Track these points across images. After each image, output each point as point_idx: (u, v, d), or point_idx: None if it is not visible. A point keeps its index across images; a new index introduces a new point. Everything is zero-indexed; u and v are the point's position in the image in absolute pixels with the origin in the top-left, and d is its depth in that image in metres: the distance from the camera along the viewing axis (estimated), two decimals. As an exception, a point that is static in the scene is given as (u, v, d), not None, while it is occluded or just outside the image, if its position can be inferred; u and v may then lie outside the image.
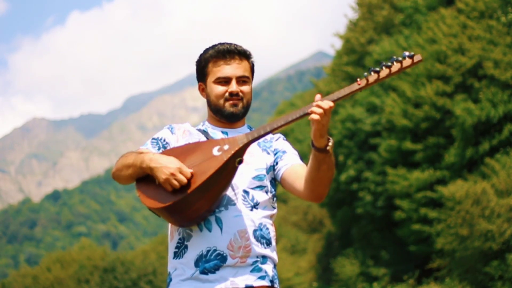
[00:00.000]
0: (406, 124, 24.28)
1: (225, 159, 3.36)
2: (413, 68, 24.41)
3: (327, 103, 3.27)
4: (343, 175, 29.16)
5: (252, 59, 3.77)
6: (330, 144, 3.36)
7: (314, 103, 3.30)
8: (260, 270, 3.50)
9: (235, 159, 3.39)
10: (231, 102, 3.65)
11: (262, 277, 3.49)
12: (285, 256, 35.14)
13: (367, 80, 3.32)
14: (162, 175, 3.33)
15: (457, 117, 21.92)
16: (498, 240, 18.21)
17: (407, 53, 3.32)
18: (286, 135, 51.84)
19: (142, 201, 3.41)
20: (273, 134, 3.80)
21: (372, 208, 27.82)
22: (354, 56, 32.44)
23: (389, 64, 3.31)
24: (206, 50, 3.73)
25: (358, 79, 3.34)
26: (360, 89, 3.33)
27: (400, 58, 3.33)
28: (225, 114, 3.67)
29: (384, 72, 3.32)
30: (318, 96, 3.31)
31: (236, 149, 3.39)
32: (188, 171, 3.35)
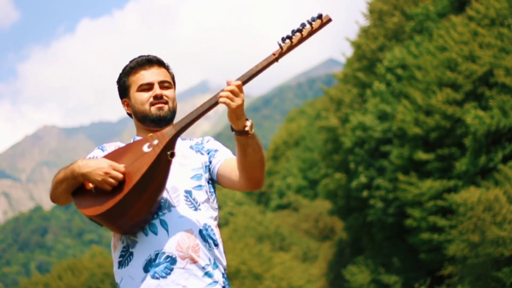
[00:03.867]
0: (418, 132, 24.20)
1: (156, 153, 3.35)
2: (424, 75, 24.41)
3: (233, 84, 3.30)
4: (354, 182, 29.12)
5: (171, 70, 3.81)
6: (248, 124, 3.36)
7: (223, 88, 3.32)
8: (211, 276, 3.47)
9: (167, 152, 3.38)
10: (156, 106, 3.65)
11: (213, 283, 3.46)
12: (297, 263, 35.05)
13: (281, 49, 3.35)
14: (96, 177, 3.32)
15: (468, 126, 21.84)
16: (509, 246, 18.14)
17: (315, 16, 3.34)
18: (297, 143, 51.89)
19: (82, 211, 3.37)
20: (198, 133, 3.81)
21: (383, 215, 27.75)
22: (365, 63, 32.43)
23: (300, 28, 3.34)
24: (125, 67, 3.76)
25: (274, 51, 3.34)
26: (277, 59, 3.35)
27: (309, 20, 3.34)
28: (152, 119, 3.65)
29: (296, 37, 3.34)
30: (228, 81, 3.32)
31: (166, 141, 3.39)
32: (120, 166, 3.35)
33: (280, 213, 44.82)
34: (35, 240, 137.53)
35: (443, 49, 24.21)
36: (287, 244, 37.67)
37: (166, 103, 3.67)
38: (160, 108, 3.64)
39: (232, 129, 3.37)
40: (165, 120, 3.65)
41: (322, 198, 39.78)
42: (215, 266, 3.52)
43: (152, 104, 3.64)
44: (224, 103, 3.28)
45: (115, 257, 3.54)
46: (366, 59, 32.41)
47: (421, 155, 24.15)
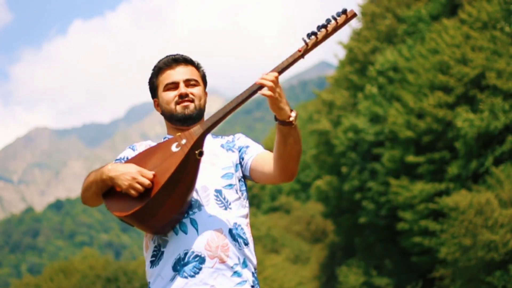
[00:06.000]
0: (410, 135, 24.23)
1: (185, 153, 3.35)
2: (416, 78, 24.44)
3: (272, 75, 3.27)
4: (346, 185, 29.13)
5: (202, 68, 3.81)
6: (293, 115, 3.34)
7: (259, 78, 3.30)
8: (240, 275, 3.47)
9: (195, 151, 3.37)
10: (182, 104, 3.66)
11: (242, 282, 3.46)
12: (288, 265, 35.02)
13: (307, 45, 3.34)
14: (124, 182, 3.33)
15: (458, 129, 21.87)
16: (501, 250, 18.18)
17: (340, 11, 3.33)
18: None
19: (113, 212, 3.38)
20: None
21: (375, 218, 27.77)
22: (357, 66, 32.45)
23: (325, 24, 3.33)
24: (154, 67, 3.78)
25: (299, 47, 3.34)
26: (303, 55, 3.34)
27: (334, 16, 3.34)
28: (178, 117, 3.67)
29: (321, 33, 3.34)
30: (263, 74, 3.30)
31: (194, 140, 3.38)
32: (149, 172, 3.34)
33: (272, 215, 44.80)
34: (26, 242, 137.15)
35: (435, 52, 24.24)
36: (279, 246, 37.62)
37: (192, 101, 3.67)
38: (185, 107, 3.65)
39: (276, 119, 3.36)
40: (191, 118, 3.66)
41: (314, 200, 39.80)
42: (245, 265, 3.51)
43: (177, 103, 3.66)
44: (266, 95, 3.27)
45: (147, 256, 3.57)
46: (358, 62, 32.43)
47: (412, 159, 24.17)
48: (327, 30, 3.34)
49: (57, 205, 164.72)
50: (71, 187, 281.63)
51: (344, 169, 29.52)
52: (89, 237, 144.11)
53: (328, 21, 3.34)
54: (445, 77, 23.20)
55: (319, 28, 3.34)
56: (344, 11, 3.33)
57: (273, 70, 3.32)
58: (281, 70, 3.33)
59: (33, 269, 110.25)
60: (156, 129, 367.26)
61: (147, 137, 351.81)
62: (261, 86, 3.30)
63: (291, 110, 3.34)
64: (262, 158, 3.63)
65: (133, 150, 3.77)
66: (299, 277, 34.95)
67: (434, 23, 26.77)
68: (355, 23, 34.78)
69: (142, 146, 3.78)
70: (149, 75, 3.82)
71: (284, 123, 3.34)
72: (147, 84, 3.85)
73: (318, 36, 3.34)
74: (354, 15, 3.36)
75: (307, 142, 40.99)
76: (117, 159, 3.71)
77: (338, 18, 3.34)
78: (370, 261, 29.75)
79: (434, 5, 28.50)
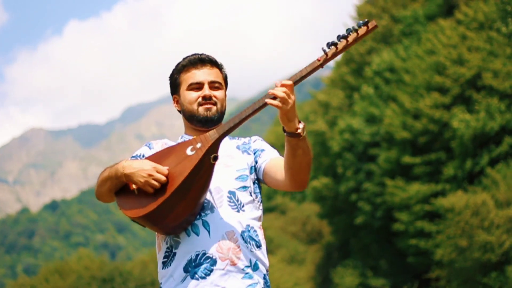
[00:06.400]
0: (406, 136, 24.21)
1: (199, 157, 3.34)
2: (412, 79, 24.42)
3: (284, 85, 3.25)
4: (342, 186, 29.11)
5: (224, 70, 3.79)
6: (301, 127, 3.34)
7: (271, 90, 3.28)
8: (251, 277, 3.46)
9: (210, 156, 3.37)
10: (204, 106, 3.65)
11: (253, 285, 3.45)
12: (284, 266, 34.99)
13: (326, 55, 3.33)
14: (139, 179, 3.33)
15: (455, 129, 21.85)
16: (497, 251, 18.17)
17: (361, 22, 3.32)
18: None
19: (124, 212, 3.38)
20: (245, 136, 3.83)
21: (371, 219, 27.76)
22: (353, 66, 32.45)
23: (345, 34, 3.32)
24: (178, 64, 3.77)
25: (318, 57, 3.32)
26: (322, 65, 3.33)
27: (355, 27, 3.32)
28: (199, 119, 3.66)
29: (341, 44, 3.33)
30: (277, 82, 3.28)
31: (209, 145, 3.37)
32: (164, 168, 3.35)
33: (267, 216, 44.75)
34: (22, 243, 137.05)
35: (431, 53, 24.23)
36: (274, 247, 37.57)
37: (215, 104, 3.68)
38: (208, 109, 3.66)
39: (284, 130, 3.36)
40: (212, 121, 3.67)
41: (310, 201, 39.78)
42: (256, 267, 3.51)
43: (200, 104, 3.67)
44: (277, 106, 3.25)
45: (160, 257, 3.58)
46: (354, 62, 32.43)
47: (408, 159, 24.15)
48: (347, 41, 3.33)
49: (53, 206, 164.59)
50: (66, 188, 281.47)
51: (340, 170, 29.50)
52: (85, 238, 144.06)
53: (349, 31, 3.33)
54: (441, 78, 23.19)
55: (339, 38, 3.33)
56: (366, 23, 3.33)
57: (290, 79, 3.31)
58: (299, 79, 3.33)
59: (29, 269, 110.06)
60: (152, 129, 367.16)
61: (143, 138, 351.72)
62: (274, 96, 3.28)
63: (299, 122, 3.34)
64: (275, 164, 3.64)
65: (150, 148, 3.78)
66: (295, 278, 34.92)
67: (430, 24, 26.76)
68: (350, 23, 34.76)
69: (158, 145, 3.79)
70: (173, 69, 3.81)
71: (292, 135, 3.35)
72: (168, 79, 3.84)
73: (338, 46, 3.33)
74: (375, 27, 3.35)
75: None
76: (133, 156, 3.71)
77: (359, 29, 3.33)
78: (366, 262, 29.75)
79: (430, 6, 28.51)
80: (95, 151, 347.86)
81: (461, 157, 22.03)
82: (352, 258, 31.30)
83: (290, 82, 3.26)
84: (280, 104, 3.24)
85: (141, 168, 3.34)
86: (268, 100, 3.27)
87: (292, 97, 3.25)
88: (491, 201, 18.82)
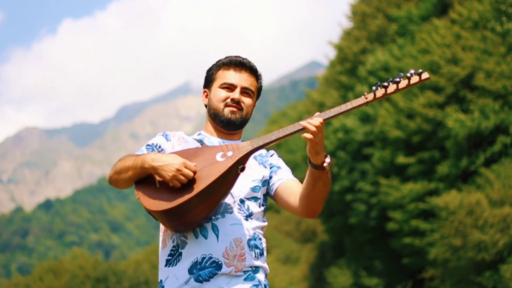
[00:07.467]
0: (399, 135, 24.21)
1: (229, 165, 3.38)
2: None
3: (317, 120, 3.34)
4: (336, 186, 29.11)
5: (261, 81, 3.86)
6: (327, 161, 3.40)
7: (306, 120, 3.36)
8: (253, 278, 3.51)
9: (238, 166, 3.41)
10: (231, 108, 3.69)
11: (255, 286, 3.50)
12: (278, 266, 35.07)
13: (375, 95, 3.38)
14: (168, 173, 3.33)
15: (449, 129, 21.85)
16: (491, 250, 18.16)
17: (413, 71, 3.35)
18: (279, 145, 51.87)
19: (142, 203, 3.39)
20: (267, 149, 3.86)
21: (365, 219, 27.77)
22: (347, 66, 32.44)
23: (397, 80, 3.36)
24: (219, 60, 3.82)
25: (366, 93, 3.38)
26: (366, 103, 3.38)
27: (408, 75, 3.36)
28: (222, 119, 3.70)
29: (392, 87, 3.37)
30: (317, 114, 3.37)
31: (241, 155, 3.42)
32: (192, 165, 3.37)
33: (262, 215, 44.75)
34: (16, 242, 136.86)
35: (425, 52, 24.23)
36: (268, 247, 37.59)
37: (241, 109, 3.73)
38: (233, 112, 3.71)
39: (309, 161, 3.42)
40: (233, 124, 3.72)
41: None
42: (257, 270, 3.58)
43: (227, 105, 3.72)
44: (309, 139, 3.33)
45: (163, 254, 3.60)
46: (348, 61, 32.42)
47: (402, 159, 24.15)
48: (397, 86, 3.37)
49: (47, 205, 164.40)
50: (61, 187, 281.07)
51: (334, 169, 29.50)
52: (79, 237, 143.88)
53: (400, 77, 3.36)
54: (435, 77, 23.18)
55: (390, 81, 3.37)
56: (419, 74, 3.37)
57: (331, 111, 3.43)
58: (337, 115, 3.45)
59: (23, 269, 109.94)
60: (147, 129, 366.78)
61: (137, 137, 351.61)
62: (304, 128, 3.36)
63: (326, 156, 3.41)
64: (290, 187, 3.69)
65: (167, 140, 3.79)
66: (289, 277, 35.00)
67: (424, 23, 26.76)
68: (345, 23, 34.80)
69: (175, 138, 3.80)
70: (213, 63, 3.86)
71: (317, 167, 3.41)
72: (205, 71, 3.89)
73: (387, 90, 3.38)
74: (427, 78, 3.39)
75: (297, 142, 40.98)
76: (148, 145, 3.71)
77: (411, 77, 3.37)
78: (360, 262, 29.75)
79: (424, 5, 28.48)
80: (89, 150, 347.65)
81: (455, 157, 22.03)
82: (346, 258, 31.31)
83: (321, 120, 3.36)
84: (309, 136, 3.32)
85: (171, 162, 3.34)
86: (304, 135, 3.35)
87: (322, 132, 3.34)
88: (485, 200, 18.82)
